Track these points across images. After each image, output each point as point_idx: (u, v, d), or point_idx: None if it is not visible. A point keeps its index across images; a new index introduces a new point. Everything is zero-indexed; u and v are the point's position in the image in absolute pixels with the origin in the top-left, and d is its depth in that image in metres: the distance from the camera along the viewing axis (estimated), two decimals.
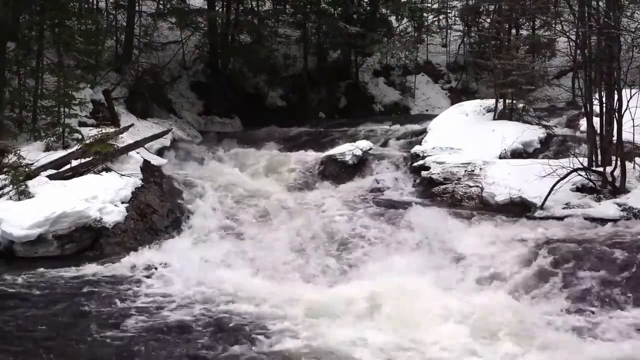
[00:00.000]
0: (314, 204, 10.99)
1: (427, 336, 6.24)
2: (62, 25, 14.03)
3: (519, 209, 10.24)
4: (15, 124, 12.26)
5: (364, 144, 13.54)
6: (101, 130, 11.15)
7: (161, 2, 19.41)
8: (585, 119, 11.41)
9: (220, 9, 20.85)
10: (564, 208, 9.86)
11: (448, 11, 25.23)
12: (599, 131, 10.72)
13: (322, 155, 13.61)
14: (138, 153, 11.82)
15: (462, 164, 11.80)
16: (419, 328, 6.41)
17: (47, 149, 11.42)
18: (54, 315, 6.79)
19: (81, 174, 10.49)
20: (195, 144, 16.01)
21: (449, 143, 12.80)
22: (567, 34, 12.98)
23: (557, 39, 19.68)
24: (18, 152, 10.47)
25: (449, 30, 24.99)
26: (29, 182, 9.73)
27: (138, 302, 7.16)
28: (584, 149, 11.36)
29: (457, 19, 25.40)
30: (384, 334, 6.31)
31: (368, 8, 23.08)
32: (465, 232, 9.25)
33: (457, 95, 21.84)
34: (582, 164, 10.33)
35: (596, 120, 10.77)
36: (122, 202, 9.84)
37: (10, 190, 9.58)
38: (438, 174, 11.77)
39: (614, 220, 9.28)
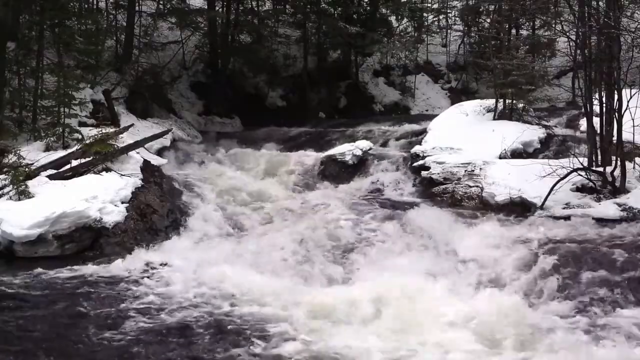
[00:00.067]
0: (314, 204, 10.98)
1: (430, 341, 6.17)
2: (62, 25, 14.03)
3: (519, 209, 10.24)
4: (15, 124, 12.26)
5: (364, 144, 13.55)
6: (101, 130, 11.15)
7: (161, 2, 19.41)
8: (585, 119, 11.41)
9: (220, 9, 20.85)
10: (564, 208, 9.86)
11: (448, 11, 25.24)
12: (599, 131, 10.71)
13: (322, 155, 13.62)
14: (138, 153, 11.82)
15: (462, 164, 11.80)
16: (422, 332, 6.35)
17: (47, 149, 11.41)
18: (53, 316, 6.78)
19: (81, 174, 10.48)
20: (195, 144, 16.02)
21: (449, 143, 12.80)
22: (567, 34, 12.98)
23: (557, 39, 19.68)
24: (18, 152, 10.46)
25: (449, 30, 24.99)
26: (29, 182, 9.73)
27: (138, 303, 7.14)
28: (584, 149, 11.36)
29: (457, 19, 25.40)
30: (386, 339, 6.24)
31: (368, 8, 23.08)
32: (466, 232, 9.23)
33: (457, 95, 21.85)
34: (582, 164, 10.32)
35: (596, 120, 10.76)
36: (122, 202, 9.83)
37: (10, 190, 9.57)
38: (438, 174, 11.77)
39: (614, 220, 9.28)
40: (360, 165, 13.14)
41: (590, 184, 10.21)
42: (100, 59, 15.46)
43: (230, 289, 7.49)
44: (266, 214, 10.65)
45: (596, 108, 10.80)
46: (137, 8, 18.94)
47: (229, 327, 6.55)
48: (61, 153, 11.05)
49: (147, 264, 8.45)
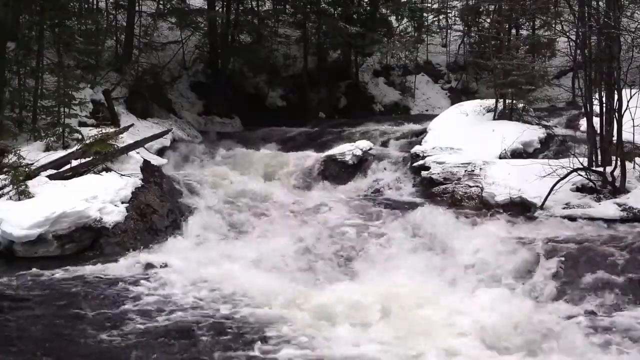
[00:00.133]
0: (314, 205, 10.99)
1: (433, 344, 6.09)
2: (62, 25, 14.02)
3: (519, 209, 10.24)
4: (15, 124, 12.25)
5: (364, 144, 13.56)
6: (101, 130, 11.14)
7: (161, 2, 19.41)
8: (585, 119, 11.41)
9: (220, 9, 20.85)
10: (564, 208, 9.86)
11: (448, 11, 25.21)
12: (599, 131, 10.72)
13: (322, 155, 13.61)
14: (138, 153, 11.82)
15: (462, 164, 11.80)
16: (425, 335, 6.29)
17: (47, 149, 11.41)
18: (53, 316, 6.77)
19: (81, 174, 10.48)
20: (195, 144, 15.99)
21: (449, 143, 12.80)
22: (567, 34, 12.98)
23: (557, 39, 19.68)
24: (18, 152, 10.46)
25: (449, 30, 24.97)
26: (29, 182, 9.72)
27: (137, 304, 7.12)
28: (584, 149, 11.36)
29: (457, 19, 25.38)
30: (389, 342, 6.17)
31: (368, 8, 23.07)
32: (466, 232, 9.24)
33: (457, 95, 21.83)
34: (582, 164, 10.32)
35: (596, 120, 10.76)
36: (122, 202, 9.83)
37: (10, 190, 9.57)
38: (438, 174, 11.77)
39: (614, 220, 9.29)
40: (360, 165, 13.14)
41: (590, 184, 10.21)
42: (100, 59, 15.45)
43: (231, 289, 7.46)
44: (266, 214, 10.62)
45: (596, 108, 10.80)
46: (137, 8, 18.93)
47: (229, 328, 6.50)
48: (61, 153, 11.04)
49: (147, 265, 8.42)
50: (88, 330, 6.40)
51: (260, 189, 11.85)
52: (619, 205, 9.59)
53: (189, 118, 18.99)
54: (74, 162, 10.67)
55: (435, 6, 25.08)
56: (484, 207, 10.58)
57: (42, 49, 13.11)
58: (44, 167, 10.43)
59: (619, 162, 10.16)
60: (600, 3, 11.10)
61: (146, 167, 11.36)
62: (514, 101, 14.10)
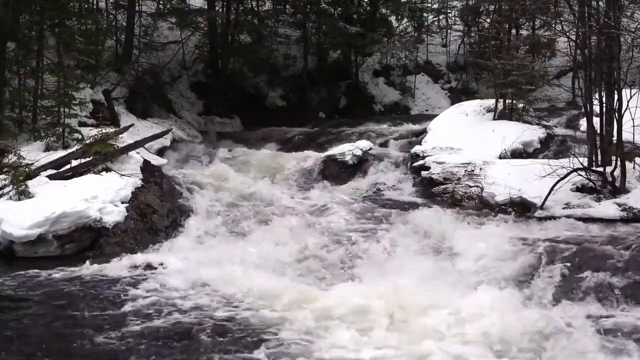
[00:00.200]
0: (314, 205, 10.98)
1: (439, 351, 5.98)
2: (62, 25, 14.03)
3: (519, 209, 10.24)
4: (15, 124, 12.25)
5: (364, 144, 13.56)
6: (101, 130, 11.14)
7: (161, 2, 19.41)
8: (585, 119, 11.41)
9: (220, 9, 20.85)
10: (564, 208, 9.86)
11: (448, 11, 25.23)
12: (599, 131, 10.72)
13: (322, 155, 13.61)
14: (138, 153, 11.81)
15: (462, 164, 11.80)
16: (427, 338, 6.19)
17: (47, 149, 11.41)
18: (52, 317, 6.77)
19: (81, 174, 10.48)
20: (195, 144, 16.00)
21: (449, 143, 12.81)
22: (567, 34, 12.98)
23: (557, 39, 19.68)
24: (18, 152, 10.45)
25: (449, 30, 24.98)
26: (29, 182, 9.72)
27: (137, 305, 7.09)
28: (584, 149, 11.36)
29: (457, 19, 25.39)
30: (392, 348, 6.06)
31: (368, 8, 23.07)
32: (466, 232, 9.23)
33: (457, 95, 21.84)
34: (582, 164, 10.32)
35: (596, 120, 10.76)
36: (122, 202, 9.82)
37: (10, 190, 9.57)
38: (438, 174, 11.77)
39: (614, 220, 9.29)
40: (360, 165, 13.14)
41: (590, 184, 10.21)
42: (100, 59, 15.45)
43: (231, 291, 7.41)
44: (266, 214, 10.60)
45: (596, 108, 10.80)
46: (137, 8, 18.93)
47: (229, 331, 6.45)
48: (61, 153, 11.04)
49: (147, 265, 8.40)
50: (87, 331, 6.39)
51: (260, 189, 11.84)
52: (619, 205, 9.59)
53: (189, 118, 18.99)
54: (74, 162, 10.67)
55: (435, 6, 25.10)
56: (484, 207, 10.58)
57: (42, 49, 13.11)
58: (44, 167, 10.42)
59: (619, 162, 10.16)
60: (600, 3, 11.10)
61: (146, 167, 11.36)
62: (514, 101, 14.10)
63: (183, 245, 9.38)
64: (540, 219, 9.75)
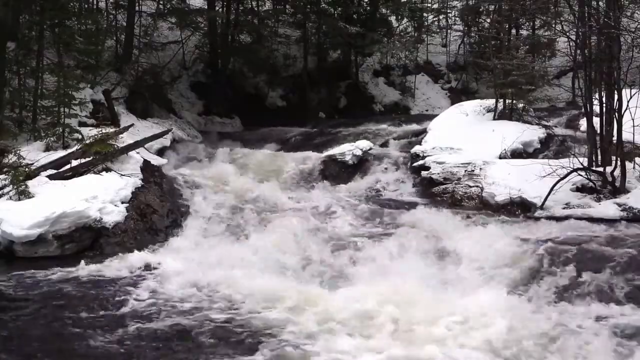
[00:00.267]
0: (315, 205, 10.97)
1: (443, 356, 5.95)
2: (62, 25, 14.02)
3: (519, 209, 10.25)
4: (15, 124, 12.25)
5: (364, 144, 13.56)
6: (101, 130, 11.14)
7: (161, 2, 19.40)
8: (585, 119, 11.41)
9: (220, 9, 20.85)
10: (564, 208, 9.86)
11: (448, 11, 25.22)
12: (599, 131, 10.72)
13: (322, 155, 13.62)
14: (138, 153, 11.82)
15: (462, 164, 11.80)
16: (428, 340, 6.16)
17: (47, 149, 11.41)
18: (52, 317, 6.77)
19: (81, 174, 10.48)
20: (195, 144, 15.99)
21: (449, 143, 12.81)
22: (567, 34, 12.99)
23: (557, 39, 19.68)
24: (18, 152, 10.45)
25: (449, 30, 24.98)
26: (29, 182, 9.72)
27: (137, 305, 7.09)
28: (584, 149, 11.36)
29: (457, 19, 25.38)
30: (395, 354, 5.99)
31: (368, 8, 23.06)
32: (466, 232, 9.22)
33: (457, 95, 21.84)
34: (582, 164, 10.33)
35: (596, 120, 10.77)
36: (122, 202, 9.82)
37: (10, 190, 9.57)
38: (438, 174, 11.77)
39: (614, 220, 9.29)
40: (360, 165, 13.14)
41: (590, 184, 10.22)
42: (100, 59, 15.44)
43: (231, 292, 7.37)
44: (266, 215, 10.59)
45: (596, 108, 10.81)
46: (137, 8, 18.93)
47: (229, 333, 6.43)
48: (61, 153, 11.04)
49: (147, 265, 8.41)
50: (87, 331, 6.39)
51: (261, 189, 11.83)
52: (619, 205, 9.60)
53: (189, 118, 18.99)
54: (74, 162, 10.67)
55: (435, 6, 25.09)
56: (484, 207, 10.59)
57: (42, 49, 13.11)
58: (44, 167, 10.42)
59: (619, 162, 10.16)
60: (600, 3, 11.11)
61: (146, 167, 11.36)
62: (514, 101, 14.11)
63: (183, 246, 9.37)
64: (540, 219, 9.75)
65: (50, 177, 10.21)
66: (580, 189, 10.23)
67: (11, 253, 8.73)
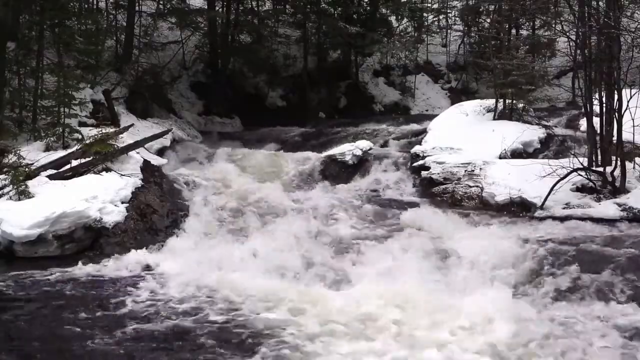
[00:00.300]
0: (315, 205, 10.96)
1: (441, 353, 5.92)
2: (62, 25, 14.01)
3: (519, 209, 10.26)
4: (15, 124, 12.24)
5: (364, 144, 13.56)
6: (101, 130, 11.14)
7: (161, 2, 19.41)
8: (585, 119, 11.42)
9: (220, 9, 20.86)
10: (564, 208, 9.87)
11: (448, 11, 25.24)
12: (599, 131, 10.72)
13: (322, 155, 13.63)
14: (138, 153, 11.81)
15: (462, 164, 11.81)
16: (430, 341, 6.12)
17: (47, 149, 11.40)
18: (52, 317, 6.76)
19: (81, 174, 10.47)
20: (195, 144, 15.99)
21: (449, 143, 12.82)
22: (567, 34, 12.99)
23: (557, 39, 19.69)
24: (18, 152, 10.45)
25: (449, 30, 25.00)
26: (29, 182, 9.71)
27: (136, 305, 7.08)
28: (584, 149, 11.36)
29: (457, 19, 25.41)
30: (393, 356, 5.94)
31: (368, 8, 23.08)
32: (466, 233, 9.21)
33: (457, 95, 21.86)
34: (582, 164, 10.33)
35: (596, 120, 10.78)
36: (122, 202, 9.81)
37: (10, 190, 9.56)
38: (438, 174, 11.78)
39: (614, 220, 9.29)
40: (360, 165, 13.15)
41: (590, 184, 10.22)
42: (100, 59, 15.44)
43: (231, 293, 7.32)
44: (266, 215, 10.58)
45: (596, 108, 10.81)
46: (137, 8, 18.94)
47: (228, 334, 6.38)
48: (61, 153, 11.04)
49: (147, 265, 8.41)
50: (86, 332, 6.37)
51: (260, 188, 11.82)
52: (619, 205, 9.60)
53: (189, 118, 19.00)
54: (74, 162, 10.66)
55: (435, 6, 25.11)
56: (484, 207, 10.60)
57: (42, 49, 13.10)
58: (44, 167, 10.42)
59: (619, 162, 10.16)
60: (600, 3, 11.12)
61: (146, 167, 11.36)
62: (514, 101, 14.11)
63: (183, 246, 9.33)
64: (540, 219, 9.75)
65: (50, 177, 10.21)
66: (580, 189, 10.24)
67: (11, 253, 8.72)
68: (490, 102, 14.70)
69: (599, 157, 10.62)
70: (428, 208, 10.52)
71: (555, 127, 14.06)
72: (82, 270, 8.24)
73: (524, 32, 22.02)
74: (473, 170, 11.52)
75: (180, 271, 8.09)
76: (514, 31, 20.52)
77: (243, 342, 6.23)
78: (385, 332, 6.38)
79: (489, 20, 21.42)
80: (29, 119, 12.35)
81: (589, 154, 10.77)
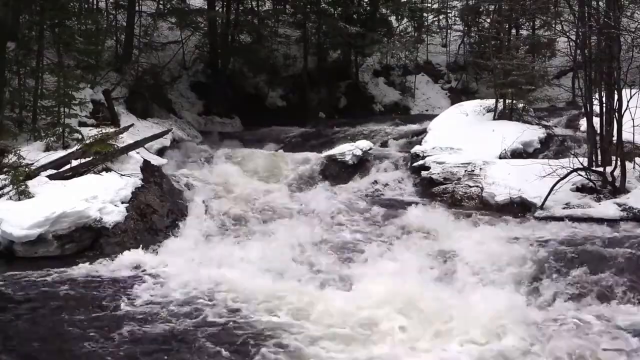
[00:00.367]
0: (315, 205, 10.95)
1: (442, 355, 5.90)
2: (62, 25, 14.01)
3: (519, 209, 10.25)
4: (15, 124, 12.24)
5: (364, 144, 13.56)
6: (101, 130, 11.13)
7: (161, 2, 19.41)
8: (585, 119, 11.42)
9: (220, 9, 20.86)
10: (564, 208, 9.86)
11: (448, 11, 25.25)
12: (599, 131, 10.72)
13: (322, 155, 13.62)
14: (138, 153, 11.81)
15: (462, 164, 11.80)
16: (431, 343, 6.11)
17: (47, 149, 11.40)
18: (52, 317, 6.75)
19: (81, 174, 10.47)
20: (195, 144, 15.99)
21: (449, 143, 12.82)
22: (567, 34, 12.99)
23: (557, 39, 19.70)
24: (18, 152, 10.44)
25: (449, 30, 25.01)
26: (29, 182, 9.71)
27: (136, 306, 7.06)
28: (584, 149, 11.36)
29: (457, 19, 25.42)
30: (394, 356, 5.92)
31: (368, 8, 23.08)
32: (466, 232, 9.21)
33: (457, 95, 21.87)
34: (582, 164, 10.33)
35: (596, 120, 10.77)
36: (122, 202, 9.81)
37: (10, 190, 9.55)
38: (438, 174, 11.78)
39: (614, 220, 9.29)
40: (360, 165, 13.14)
41: (590, 184, 10.22)
42: (100, 59, 15.44)
43: (232, 294, 7.28)
44: (266, 215, 10.59)
45: (596, 108, 10.81)
46: (137, 8, 18.94)
47: (228, 336, 6.35)
48: (61, 153, 11.03)
49: (147, 265, 8.37)
50: (86, 332, 6.36)
51: (260, 189, 11.83)
52: (619, 205, 9.60)
53: (189, 118, 19.01)
54: (74, 162, 10.66)
55: (435, 6, 25.13)
56: (484, 207, 10.59)
57: (42, 49, 13.10)
58: (44, 167, 10.42)
59: (619, 162, 10.16)
60: (600, 3, 11.11)
61: (146, 167, 11.35)
62: (514, 101, 14.11)
63: (183, 246, 9.31)
64: (540, 219, 9.76)
65: (50, 177, 10.21)
66: (580, 189, 10.24)
67: (11, 253, 8.71)
68: (490, 102, 14.70)
69: (599, 157, 10.62)
70: (428, 208, 10.53)
71: (555, 127, 14.06)
72: (82, 270, 8.22)
73: (524, 32, 22.02)
74: (473, 170, 11.52)
75: (180, 271, 8.05)
76: (514, 31, 20.52)
77: (243, 344, 6.19)
78: (385, 333, 6.35)
79: (489, 20, 21.42)
80: (29, 119, 12.34)
81: (589, 154, 10.77)
